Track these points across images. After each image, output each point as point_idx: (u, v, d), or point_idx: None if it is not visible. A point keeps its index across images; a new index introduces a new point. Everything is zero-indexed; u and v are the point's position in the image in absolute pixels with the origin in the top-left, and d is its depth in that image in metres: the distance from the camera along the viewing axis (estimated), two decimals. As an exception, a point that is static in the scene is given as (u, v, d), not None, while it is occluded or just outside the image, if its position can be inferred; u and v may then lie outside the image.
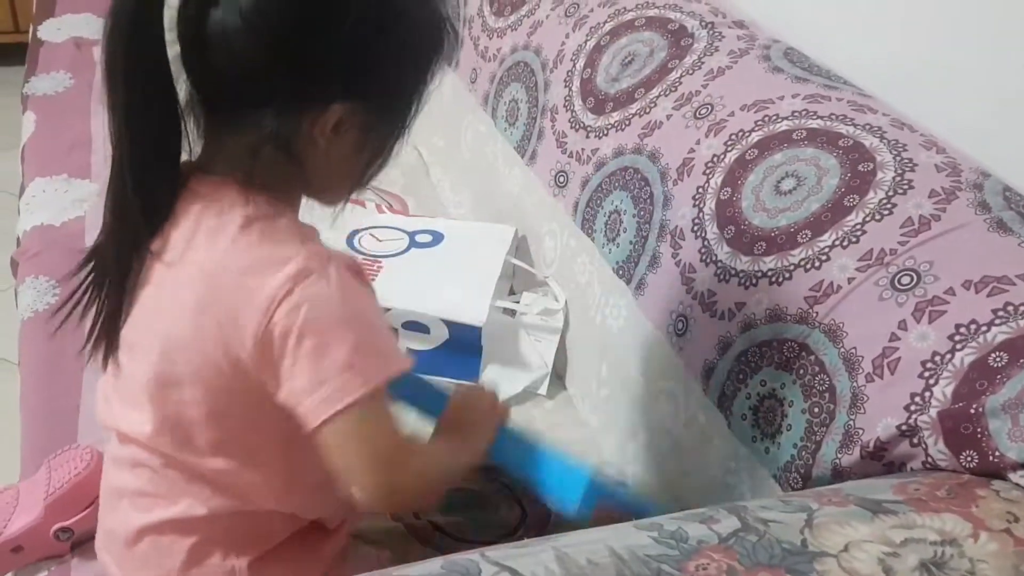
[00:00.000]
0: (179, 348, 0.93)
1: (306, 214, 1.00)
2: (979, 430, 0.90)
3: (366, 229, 1.76)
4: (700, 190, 1.30)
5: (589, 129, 1.57)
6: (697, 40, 1.50)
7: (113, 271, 0.96)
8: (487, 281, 1.62)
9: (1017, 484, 0.88)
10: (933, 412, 0.94)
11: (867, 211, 1.11)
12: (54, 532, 1.23)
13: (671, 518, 0.85)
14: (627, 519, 0.87)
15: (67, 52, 2.57)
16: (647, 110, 1.47)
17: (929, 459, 0.94)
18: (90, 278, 0.99)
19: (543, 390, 1.57)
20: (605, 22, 1.65)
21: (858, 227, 1.10)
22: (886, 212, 1.10)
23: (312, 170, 0.94)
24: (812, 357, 1.07)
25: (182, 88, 0.90)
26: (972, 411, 0.91)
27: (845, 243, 1.10)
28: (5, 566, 1.25)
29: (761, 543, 0.79)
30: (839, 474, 1.02)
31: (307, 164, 0.93)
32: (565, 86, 1.67)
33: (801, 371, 1.08)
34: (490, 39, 1.95)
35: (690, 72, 1.46)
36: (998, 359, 0.92)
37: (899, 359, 0.99)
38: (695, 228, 1.28)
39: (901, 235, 1.07)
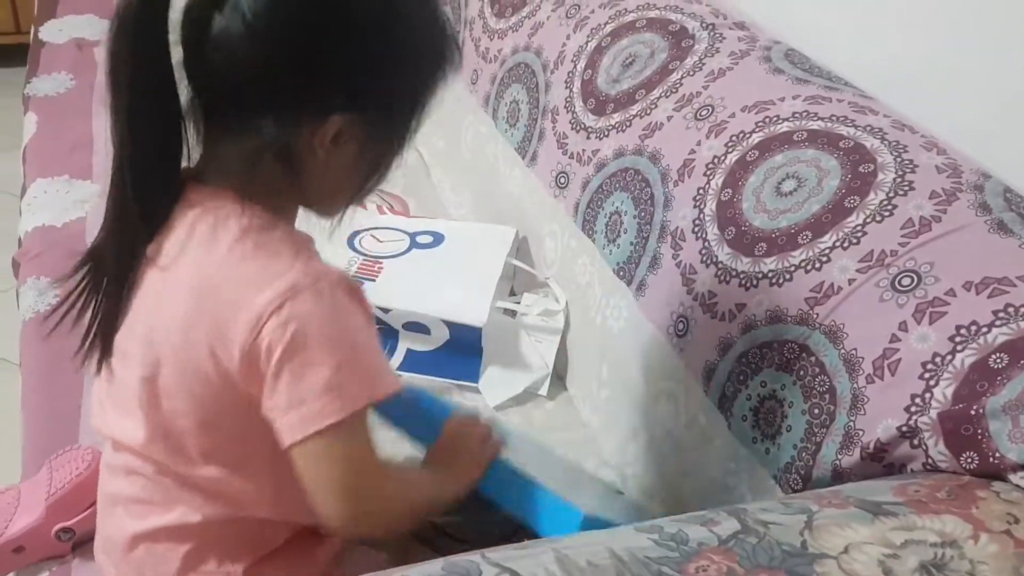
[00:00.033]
0: (169, 357, 0.93)
1: (303, 222, 1.00)
2: (979, 431, 0.90)
3: (367, 230, 1.76)
4: (701, 191, 1.30)
5: (590, 130, 1.57)
6: (698, 41, 1.50)
7: (111, 272, 0.96)
8: (488, 282, 1.62)
9: (1017, 485, 0.87)
10: (933, 413, 0.94)
11: (868, 212, 1.11)
12: (55, 532, 1.23)
13: (671, 520, 0.85)
14: None
15: (68, 53, 2.57)
16: (648, 111, 1.47)
17: (929, 460, 0.94)
18: (87, 280, 0.98)
19: (544, 391, 1.57)
20: (606, 23, 1.65)
21: (859, 228, 1.10)
22: (887, 213, 1.10)
23: (310, 181, 0.93)
24: (812, 358, 1.07)
25: (184, 93, 0.90)
26: (972, 412, 0.91)
27: (846, 244, 1.10)
28: (7, 566, 1.25)
29: (761, 545, 0.79)
30: (839, 475, 1.02)
31: (305, 174, 0.93)
32: (566, 87, 1.67)
33: (801, 372, 1.08)
34: (491, 40, 1.95)
35: (691, 73, 1.46)
36: (998, 360, 0.92)
37: (899, 360, 0.99)
38: (696, 229, 1.28)
39: (902, 236, 1.07)
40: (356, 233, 1.75)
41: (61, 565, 1.24)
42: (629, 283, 1.39)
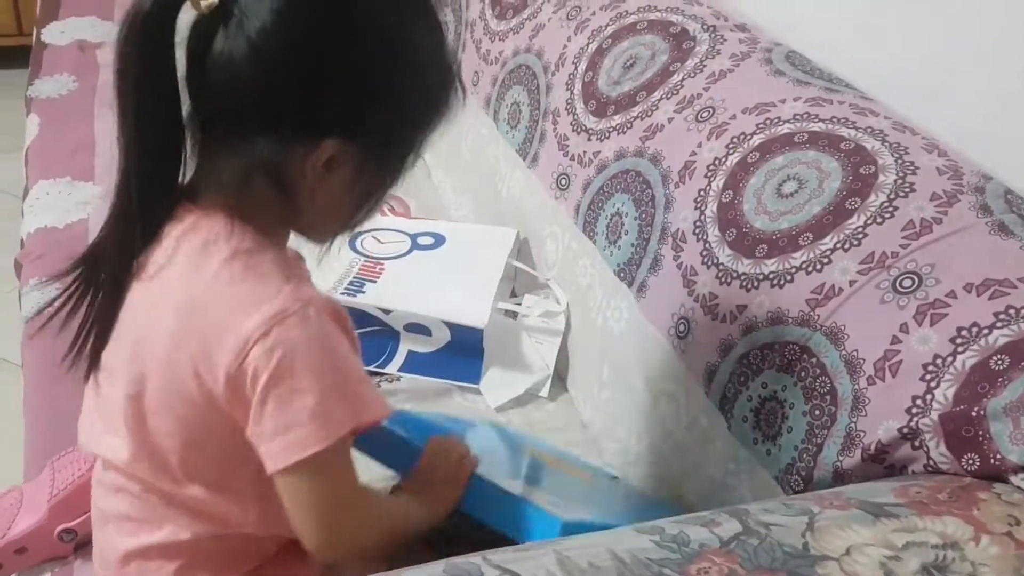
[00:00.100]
0: (153, 374, 0.93)
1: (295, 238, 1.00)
2: (980, 433, 0.91)
3: (368, 231, 1.76)
4: (702, 193, 1.30)
5: (591, 132, 1.57)
6: (699, 43, 1.50)
7: (107, 276, 0.95)
8: (489, 283, 1.63)
9: (1018, 487, 0.88)
10: (934, 415, 0.95)
11: (869, 214, 1.11)
12: (58, 533, 1.23)
13: (672, 521, 0.85)
14: None
15: (71, 55, 2.57)
16: (649, 113, 1.48)
17: (930, 462, 0.94)
18: (80, 283, 0.97)
19: (544, 392, 1.57)
20: (607, 25, 1.66)
21: (860, 230, 1.10)
22: (887, 215, 1.10)
23: (300, 205, 0.92)
24: (813, 359, 1.07)
25: (185, 107, 0.90)
26: (973, 414, 0.91)
27: (847, 246, 1.10)
28: (9, 567, 1.25)
29: (762, 546, 0.79)
30: (840, 476, 1.02)
31: (296, 198, 0.92)
32: (567, 89, 1.67)
33: (802, 373, 1.08)
34: (492, 42, 1.95)
35: (692, 75, 1.46)
36: (999, 362, 0.92)
37: (900, 362, 0.99)
38: (697, 231, 1.28)
39: (903, 238, 1.07)
40: (357, 234, 1.75)
41: (63, 566, 1.25)
42: (630, 284, 1.39)
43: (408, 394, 1.55)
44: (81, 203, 1.98)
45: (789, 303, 1.12)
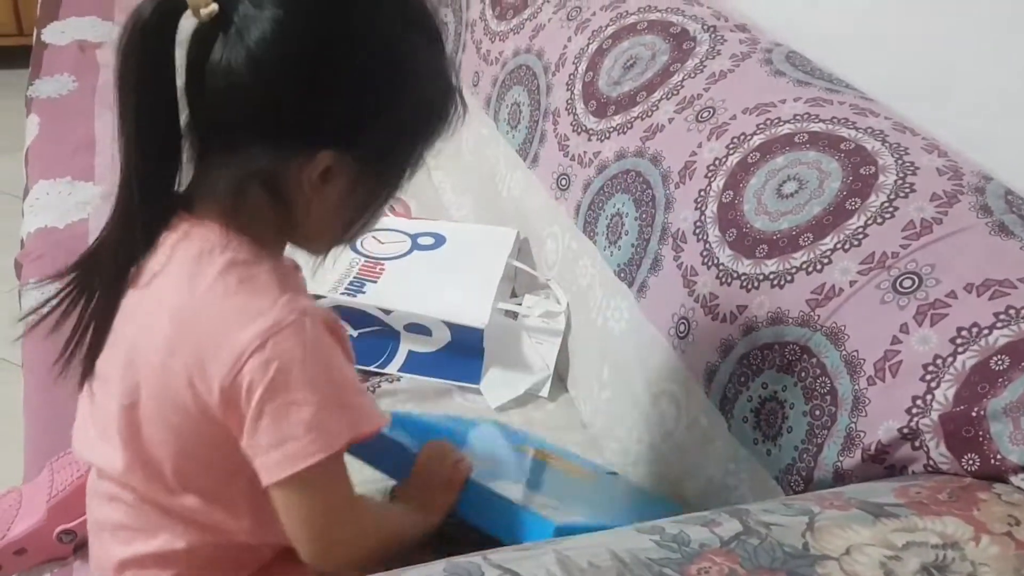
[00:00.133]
0: (147, 387, 0.93)
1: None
2: (980, 433, 0.91)
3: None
4: (702, 193, 1.30)
5: (591, 132, 1.57)
6: (699, 44, 1.50)
7: (105, 279, 0.95)
8: (489, 283, 1.63)
9: (1019, 487, 0.88)
10: (935, 415, 0.95)
11: (869, 214, 1.11)
12: (57, 535, 1.23)
13: (673, 521, 0.85)
14: None
15: (71, 55, 2.57)
16: (649, 113, 1.48)
17: (931, 462, 0.94)
18: (74, 287, 0.97)
19: (545, 392, 1.57)
20: (607, 25, 1.66)
21: (860, 230, 1.10)
22: (888, 215, 1.10)
23: (295, 216, 0.92)
24: (814, 360, 1.07)
25: (184, 114, 0.89)
26: (974, 414, 0.91)
27: (847, 246, 1.10)
28: (8, 569, 1.25)
29: (763, 546, 0.79)
30: (840, 477, 1.02)
31: (292, 209, 0.92)
32: (567, 89, 1.67)
33: (802, 374, 1.08)
34: (492, 42, 1.95)
35: (692, 75, 1.46)
36: (1000, 362, 0.92)
37: (901, 362, 0.99)
38: (697, 231, 1.28)
39: (903, 238, 1.07)
40: (358, 234, 1.75)
41: (63, 567, 1.24)
42: (630, 285, 1.39)
43: (408, 394, 1.55)
44: (81, 203, 1.98)
45: (789, 303, 1.12)
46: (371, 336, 1.58)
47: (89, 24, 2.70)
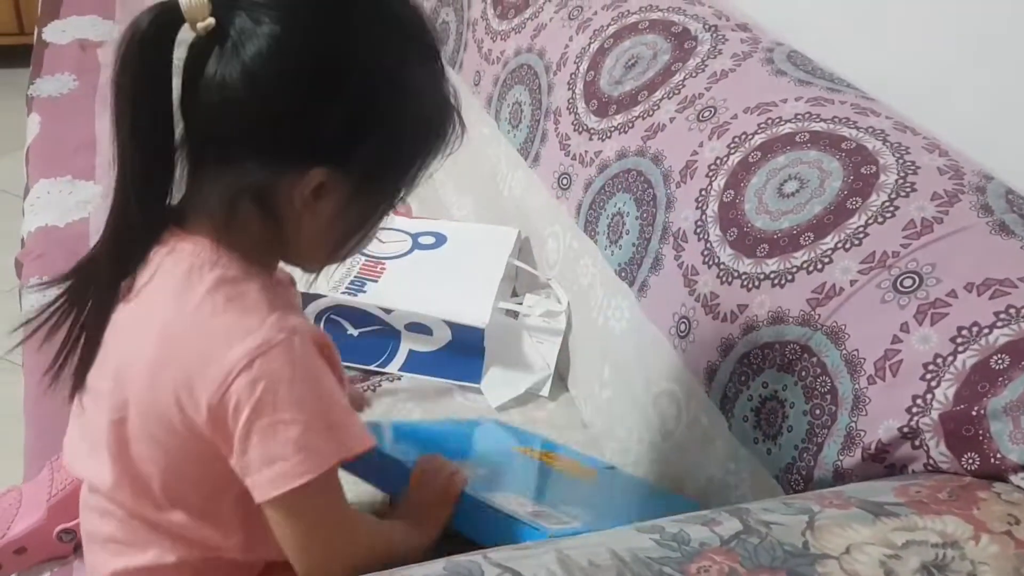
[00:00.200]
0: (135, 403, 0.92)
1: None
2: (980, 432, 0.91)
3: (369, 231, 1.76)
4: (703, 192, 1.30)
5: (592, 131, 1.57)
6: (700, 43, 1.50)
7: (97, 292, 0.94)
8: (490, 283, 1.63)
9: (1018, 486, 0.88)
10: (935, 414, 0.94)
11: (870, 214, 1.11)
12: (57, 534, 1.23)
13: (673, 520, 0.85)
14: None
15: (72, 54, 2.57)
16: (650, 113, 1.48)
17: (931, 461, 0.94)
18: (67, 299, 0.96)
19: (545, 392, 1.58)
20: (608, 25, 1.66)
21: (860, 229, 1.10)
22: (888, 215, 1.10)
23: (287, 232, 0.92)
24: (814, 359, 1.07)
25: (178, 128, 0.89)
26: (974, 413, 0.91)
27: (847, 245, 1.10)
28: (9, 568, 1.25)
29: (763, 545, 0.79)
30: (840, 476, 1.02)
31: (284, 225, 0.91)
32: (568, 89, 1.67)
33: (803, 373, 1.08)
34: (494, 42, 1.95)
35: (693, 75, 1.46)
36: (1000, 361, 0.92)
37: (901, 361, 0.99)
38: (698, 230, 1.28)
39: (903, 238, 1.07)
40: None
41: (63, 566, 1.25)
42: (631, 284, 1.39)
43: (409, 393, 1.55)
44: (82, 202, 1.99)
45: (790, 303, 1.12)
46: (372, 335, 1.58)
47: (90, 23, 2.70)
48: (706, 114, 1.38)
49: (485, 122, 1.91)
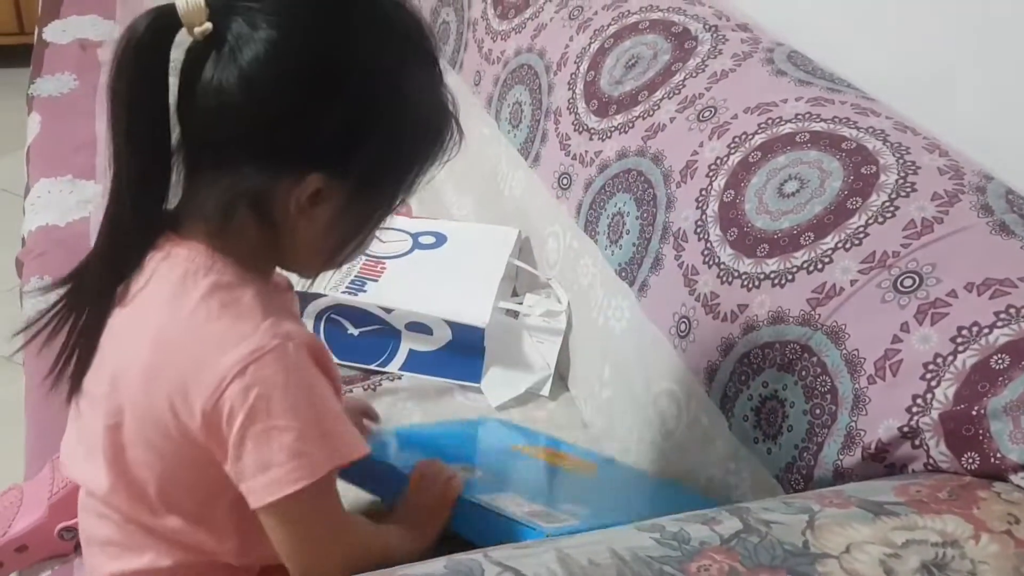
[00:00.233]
0: (130, 409, 0.92)
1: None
2: (980, 432, 0.91)
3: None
4: (703, 192, 1.31)
5: (592, 131, 1.57)
6: (701, 43, 1.50)
7: (92, 298, 0.94)
8: (490, 283, 1.63)
9: (1018, 486, 0.88)
10: (935, 414, 0.95)
11: (870, 214, 1.11)
12: (58, 531, 1.23)
13: (673, 519, 0.85)
14: None
15: (72, 54, 2.57)
16: (650, 113, 1.48)
17: (931, 461, 0.95)
18: (65, 303, 0.96)
19: (546, 391, 1.58)
20: (609, 25, 1.66)
21: (861, 229, 1.11)
22: (889, 215, 1.10)
23: (283, 238, 0.92)
24: (814, 359, 1.07)
25: (175, 133, 0.89)
26: (974, 413, 0.92)
27: (848, 245, 1.10)
28: (10, 565, 1.25)
29: (763, 544, 0.79)
30: (840, 475, 1.02)
31: (280, 231, 0.91)
32: (569, 89, 1.67)
33: (803, 372, 1.08)
34: (494, 42, 1.95)
35: (693, 75, 1.46)
36: (1000, 361, 0.93)
37: (901, 361, 0.99)
38: (698, 230, 1.28)
39: (904, 237, 1.07)
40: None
41: (64, 564, 1.25)
42: (631, 284, 1.39)
43: (409, 393, 1.55)
44: (82, 201, 1.99)
45: (790, 302, 1.12)
46: (372, 335, 1.58)
47: (90, 23, 2.70)
48: (706, 114, 1.38)
49: (485, 122, 1.91)
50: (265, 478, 0.88)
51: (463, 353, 1.57)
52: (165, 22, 0.85)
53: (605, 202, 1.49)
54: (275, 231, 0.91)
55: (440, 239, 1.77)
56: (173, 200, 0.92)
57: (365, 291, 1.60)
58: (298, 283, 1.05)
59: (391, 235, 1.75)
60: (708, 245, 1.26)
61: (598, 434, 1.47)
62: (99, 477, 0.97)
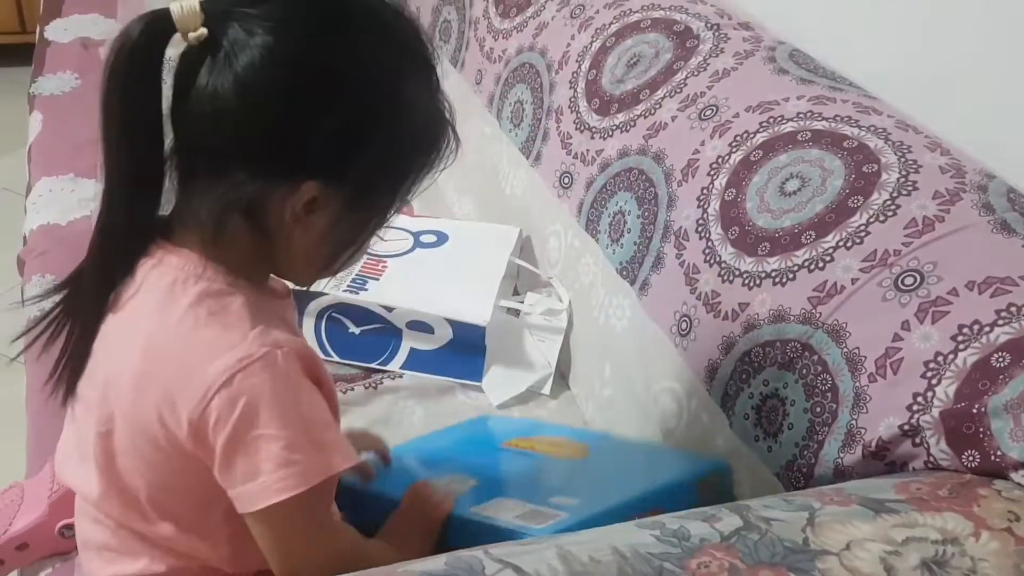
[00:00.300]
0: (120, 417, 0.92)
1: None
2: (981, 430, 0.91)
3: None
4: (705, 191, 1.31)
5: (594, 130, 1.57)
6: (702, 41, 1.50)
7: (87, 304, 0.94)
8: (491, 281, 1.63)
9: (1019, 483, 0.88)
10: (935, 412, 0.95)
11: (871, 212, 1.11)
12: (59, 529, 1.23)
13: (673, 516, 0.85)
14: None
15: (74, 52, 2.57)
16: (652, 111, 1.48)
17: (931, 459, 0.95)
18: (61, 309, 0.96)
19: (547, 390, 1.58)
20: (610, 23, 1.66)
21: (862, 228, 1.11)
22: (890, 213, 1.10)
23: (277, 246, 0.91)
24: (815, 357, 1.07)
25: (168, 139, 0.89)
26: (974, 411, 0.92)
27: (849, 244, 1.10)
28: (11, 563, 1.25)
29: (763, 541, 0.79)
30: (841, 473, 1.02)
31: (274, 239, 0.90)
32: (570, 87, 1.67)
33: (804, 371, 1.08)
34: (495, 40, 1.95)
35: (695, 73, 1.46)
36: (1000, 359, 0.92)
37: (902, 359, 0.99)
38: (699, 229, 1.28)
39: (905, 236, 1.07)
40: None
41: (64, 562, 1.25)
42: (632, 283, 1.39)
43: (410, 391, 1.55)
44: (83, 200, 1.99)
45: (791, 301, 1.12)
46: (373, 333, 1.58)
47: (92, 21, 2.70)
48: (708, 113, 1.38)
49: (487, 121, 1.91)
50: (254, 486, 0.87)
51: (464, 352, 1.57)
52: (159, 27, 0.84)
53: (606, 201, 1.49)
54: (269, 239, 0.91)
55: (441, 238, 1.77)
56: (166, 207, 0.92)
57: (366, 289, 1.60)
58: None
59: (392, 234, 1.75)
60: (709, 244, 1.26)
61: (599, 433, 1.47)
62: (91, 483, 0.97)
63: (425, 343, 1.57)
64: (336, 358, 1.59)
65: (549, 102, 1.72)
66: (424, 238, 1.77)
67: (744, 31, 1.51)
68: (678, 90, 1.46)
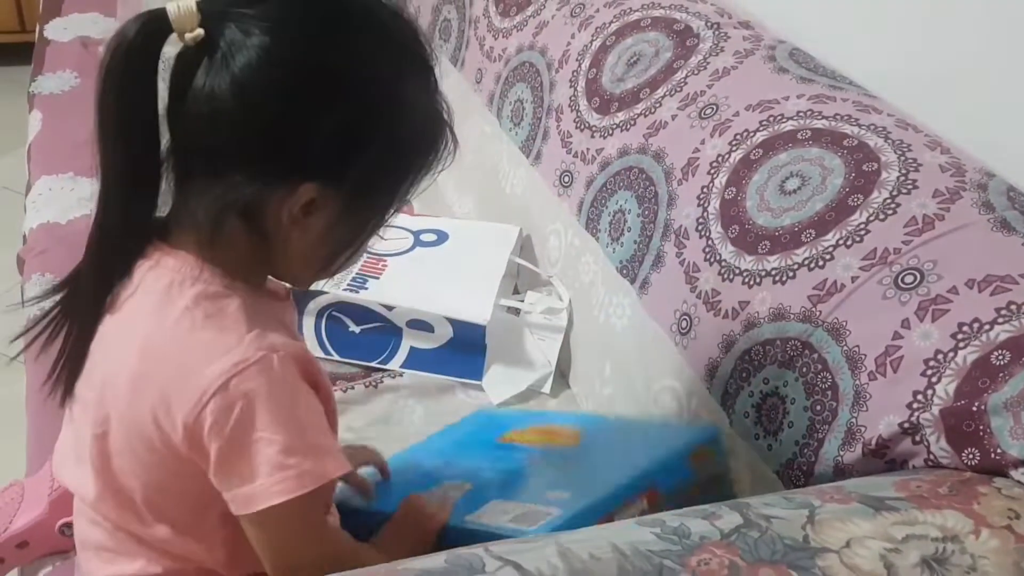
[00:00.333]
0: (116, 419, 0.92)
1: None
2: (981, 428, 0.91)
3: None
4: (705, 190, 1.31)
5: (594, 129, 1.57)
6: (703, 40, 1.50)
7: (84, 305, 0.94)
8: (491, 280, 1.63)
9: (1018, 481, 0.88)
10: (935, 410, 0.95)
11: (871, 211, 1.11)
12: (59, 527, 1.23)
13: (673, 514, 0.85)
14: None
15: (73, 51, 2.57)
16: (652, 110, 1.48)
17: (931, 456, 0.95)
18: (59, 310, 0.96)
19: (547, 389, 1.58)
20: (611, 22, 1.66)
21: (862, 226, 1.11)
22: (890, 211, 1.10)
23: (275, 249, 0.91)
24: (815, 355, 1.07)
25: (165, 140, 0.88)
26: (974, 409, 0.92)
27: (849, 242, 1.10)
28: (11, 561, 1.25)
29: (763, 539, 0.80)
30: (841, 471, 1.02)
31: (271, 242, 0.90)
32: (570, 86, 1.67)
33: (804, 369, 1.08)
34: (496, 39, 1.95)
35: (695, 72, 1.46)
36: (1000, 357, 0.93)
37: (902, 357, 1.00)
38: (699, 227, 1.28)
39: (905, 234, 1.07)
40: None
41: (64, 560, 1.25)
42: (632, 281, 1.39)
43: (410, 390, 1.55)
44: (83, 199, 1.99)
45: (791, 299, 1.12)
46: (373, 332, 1.58)
47: (91, 20, 2.70)
48: (708, 111, 1.38)
49: (487, 120, 1.91)
50: (249, 489, 0.87)
51: (464, 350, 1.57)
52: (156, 27, 0.84)
53: (606, 199, 1.49)
54: (267, 241, 0.90)
55: (441, 237, 1.77)
56: (163, 209, 0.91)
57: (366, 288, 1.60)
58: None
59: (392, 232, 1.75)
60: (709, 242, 1.26)
61: (599, 431, 1.47)
62: (87, 485, 0.97)
63: (425, 342, 1.58)
64: (336, 357, 1.59)
65: (549, 101, 1.72)
66: (424, 237, 1.77)
67: (744, 30, 1.51)
68: (678, 89, 1.46)
